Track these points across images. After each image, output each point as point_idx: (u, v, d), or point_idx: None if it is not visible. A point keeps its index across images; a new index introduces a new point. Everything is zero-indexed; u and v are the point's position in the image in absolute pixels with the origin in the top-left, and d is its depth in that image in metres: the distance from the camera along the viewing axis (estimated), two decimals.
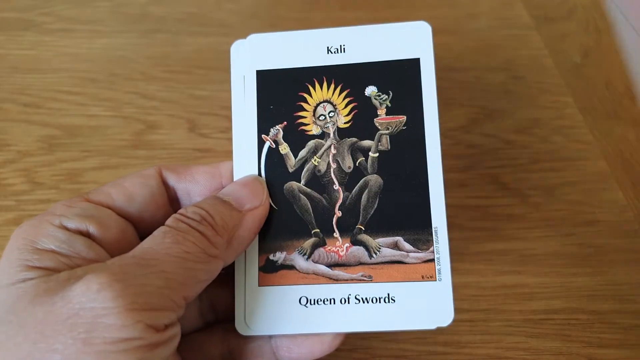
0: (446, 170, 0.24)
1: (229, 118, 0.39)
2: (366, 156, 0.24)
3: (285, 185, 0.24)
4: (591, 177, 0.36)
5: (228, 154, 0.25)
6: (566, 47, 0.41)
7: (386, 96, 0.25)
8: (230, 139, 0.25)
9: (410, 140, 0.24)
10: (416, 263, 0.23)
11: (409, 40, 0.25)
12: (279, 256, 0.24)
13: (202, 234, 0.20)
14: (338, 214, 0.24)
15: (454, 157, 0.37)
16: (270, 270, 0.24)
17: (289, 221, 0.24)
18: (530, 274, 0.31)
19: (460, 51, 0.43)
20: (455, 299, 0.23)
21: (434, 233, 0.23)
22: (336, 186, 0.24)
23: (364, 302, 0.23)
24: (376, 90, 0.25)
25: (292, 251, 0.24)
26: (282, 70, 0.25)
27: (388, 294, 0.23)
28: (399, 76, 0.25)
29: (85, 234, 0.21)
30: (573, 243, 0.33)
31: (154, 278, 0.18)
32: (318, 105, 0.25)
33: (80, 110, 0.39)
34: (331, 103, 0.25)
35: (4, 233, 0.32)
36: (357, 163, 0.24)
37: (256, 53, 0.25)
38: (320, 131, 0.25)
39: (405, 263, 0.23)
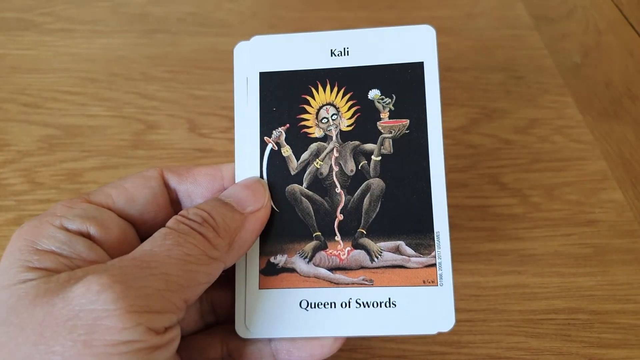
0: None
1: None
2: (369, 159, 0.24)
3: (287, 187, 0.24)
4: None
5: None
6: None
7: (389, 100, 0.24)
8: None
9: (413, 144, 0.24)
10: (418, 268, 0.23)
11: (413, 43, 0.25)
12: (280, 259, 0.24)
13: (204, 236, 0.20)
14: (340, 217, 0.24)
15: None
16: (271, 273, 0.23)
17: (291, 224, 0.24)
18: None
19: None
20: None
21: (436, 238, 0.23)
22: (338, 189, 0.24)
23: (364, 307, 0.23)
24: (379, 94, 0.24)
25: (293, 254, 0.24)
26: (285, 72, 0.25)
27: (389, 299, 0.23)
28: (403, 80, 0.24)
29: (86, 235, 0.21)
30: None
31: (154, 280, 0.18)
32: (321, 108, 0.25)
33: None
34: (334, 106, 0.25)
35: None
36: (360, 166, 0.24)
37: (259, 55, 0.25)
38: (323, 134, 0.25)
39: (407, 267, 0.23)
